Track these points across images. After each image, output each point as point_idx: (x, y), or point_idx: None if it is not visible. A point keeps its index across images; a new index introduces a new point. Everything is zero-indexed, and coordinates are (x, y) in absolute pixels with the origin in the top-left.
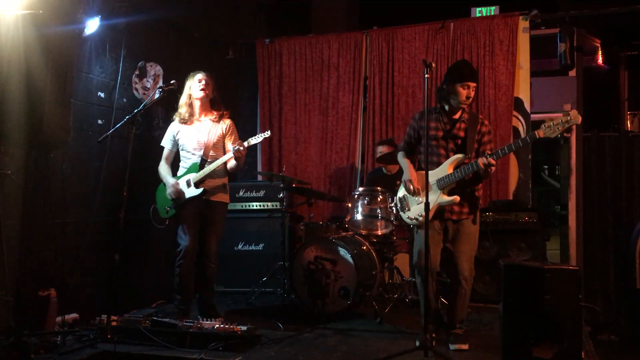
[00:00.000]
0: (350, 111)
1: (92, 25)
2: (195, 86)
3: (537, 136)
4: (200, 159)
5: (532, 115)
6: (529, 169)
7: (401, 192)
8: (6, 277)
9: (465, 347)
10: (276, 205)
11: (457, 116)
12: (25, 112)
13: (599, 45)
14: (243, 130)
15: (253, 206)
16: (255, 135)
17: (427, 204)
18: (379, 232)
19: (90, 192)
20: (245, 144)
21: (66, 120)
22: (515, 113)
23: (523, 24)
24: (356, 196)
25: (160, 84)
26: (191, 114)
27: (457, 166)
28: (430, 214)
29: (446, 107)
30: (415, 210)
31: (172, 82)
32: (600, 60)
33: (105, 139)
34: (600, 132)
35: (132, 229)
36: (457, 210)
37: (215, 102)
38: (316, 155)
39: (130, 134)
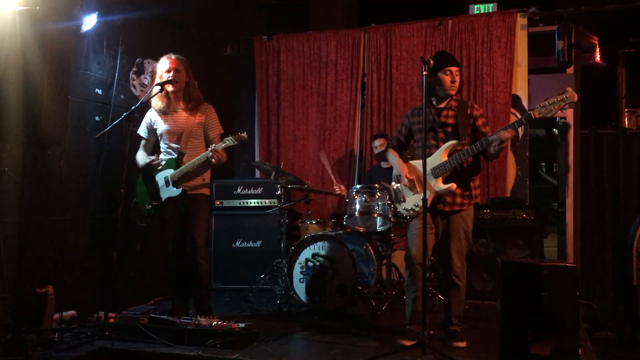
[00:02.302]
0: (348, 108)
1: (90, 21)
2: (164, 77)
3: (533, 117)
4: (177, 153)
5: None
6: (526, 166)
7: (395, 185)
8: (4, 274)
9: (462, 344)
10: (274, 202)
11: (443, 105)
12: (23, 109)
13: (597, 42)
14: (241, 128)
15: (251, 203)
16: (231, 136)
17: (424, 199)
18: (377, 229)
19: (88, 189)
20: (222, 144)
21: (63, 117)
22: (513, 110)
23: (521, 21)
24: (354, 193)
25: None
26: (167, 104)
27: (451, 153)
28: (427, 203)
29: (434, 101)
30: (411, 201)
31: (170, 79)
32: (598, 57)
33: (102, 136)
34: (598, 130)
35: (129, 226)
36: (450, 201)
37: (191, 88)
38: (314, 152)
39: (128, 131)
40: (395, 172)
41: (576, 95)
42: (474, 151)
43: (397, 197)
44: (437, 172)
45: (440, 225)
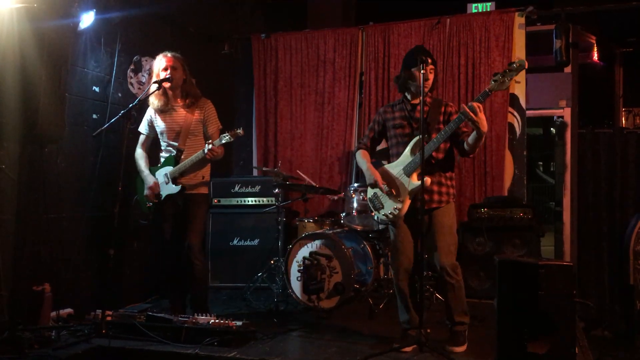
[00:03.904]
0: (346, 107)
1: (87, 19)
2: (161, 75)
3: (490, 92)
4: (176, 150)
5: (527, 112)
6: (524, 165)
7: (370, 192)
8: (1, 271)
9: (461, 349)
10: (271, 201)
11: (417, 101)
12: (20, 107)
13: (594, 41)
14: (238, 126)
15: (248, 201)
16: (227, 133)
17: (422, 190)
18: (374, 228)
19: (85, 187)
20: (219, 142)
21: (61, 115)
22: (510, 109)
23: (519, 20)
24: (351, 192)
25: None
26: (165, 102)
27: (418, 147)
28: (405, 207)
29: (408, 96)
30: (389, 206)
31: (167, 76)
32: (595, 56)
33: (100, 134)
34: (595, 129)
35: (127, 224)
36: (427, 199)
37: (188, 85)
38: (312, 151)
39: (125, 129)
40: (368, 179)
41: (526, 62)
42: (440, 140)
43: (375, 205)
44: (408, 169)
45: (423, 224)
